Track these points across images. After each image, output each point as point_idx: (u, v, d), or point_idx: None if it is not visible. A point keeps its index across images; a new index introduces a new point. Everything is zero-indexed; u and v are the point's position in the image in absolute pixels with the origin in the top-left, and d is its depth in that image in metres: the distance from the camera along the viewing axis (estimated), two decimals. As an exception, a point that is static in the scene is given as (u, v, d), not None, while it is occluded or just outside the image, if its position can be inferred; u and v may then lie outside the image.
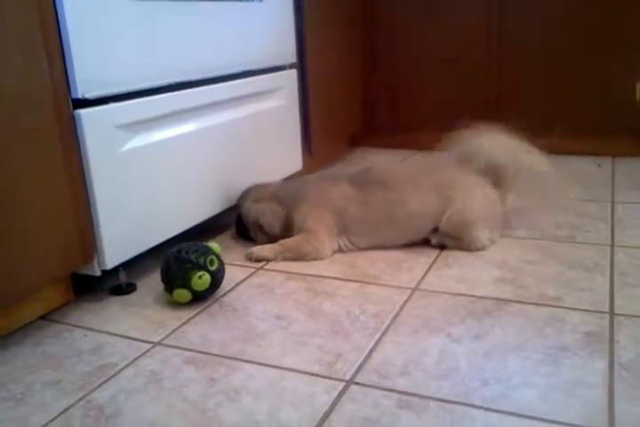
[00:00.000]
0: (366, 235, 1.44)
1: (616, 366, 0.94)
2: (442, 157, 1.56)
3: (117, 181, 1.18)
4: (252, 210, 1.47)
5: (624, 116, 2.19)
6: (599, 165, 2.15)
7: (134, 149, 1.21)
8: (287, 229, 1.45)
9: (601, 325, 1.07)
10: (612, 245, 1.42)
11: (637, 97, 2.14)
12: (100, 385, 0.95)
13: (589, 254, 1.38)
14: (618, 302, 1.15)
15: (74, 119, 1.09)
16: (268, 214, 1.45)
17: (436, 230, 1.43)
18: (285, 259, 1.40)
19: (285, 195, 1.48)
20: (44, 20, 1.01)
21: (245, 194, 1.52)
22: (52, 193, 1.07)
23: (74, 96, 1.08)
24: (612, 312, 1.11)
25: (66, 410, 0.89)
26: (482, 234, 1.42)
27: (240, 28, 1.54)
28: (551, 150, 2.19)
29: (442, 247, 1.44)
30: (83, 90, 1.09)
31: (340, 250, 1.44)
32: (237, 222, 1.53)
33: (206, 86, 1.43)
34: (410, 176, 1.46)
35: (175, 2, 1.30)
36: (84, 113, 1.09)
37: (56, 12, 1.03)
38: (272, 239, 1.45)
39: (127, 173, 1.20)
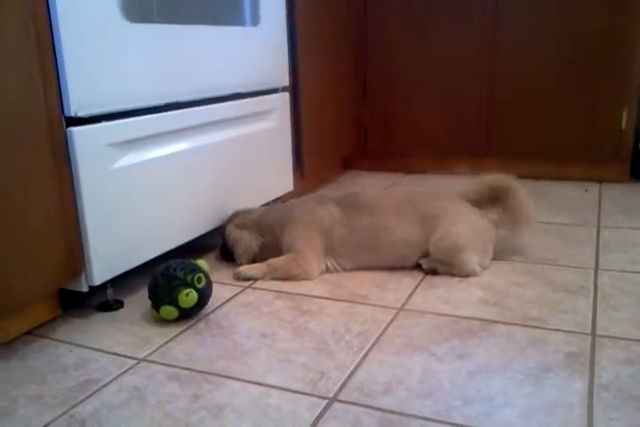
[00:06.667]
0: (352, 257, 1.45)
1: (596, 387, 0.95)
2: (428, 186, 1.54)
3: (107, 199, 1.19)
4: (231, 235, 1.49)
5: (611, 143, 2.23)
6: (586, 191, 2.18)
7: (125, 167, 1.23)
8: (274, 252, 1.46)
9: (582, 346, 1.08)
10: (597, 269, 1.44)
11: (623, 125, 2.19)
12: (82, 400, 0.95)
13: (574, 277, 1.39)
14: (600, 323, 1.16)
15: (66, 137, 1.11)
16: (241, 245, 1.47)
17: (427, 255, 1.43)
18: (273, 279, 1.41)
19: (270, 220, 1.49)
20: (40, 40, 1.04)
21: (229, 219, 1.54)
22: (42, 209, 1.08)
23: (67, 114, 1.10)
24: (593, 334, 1.12)
25: (48, 425, 0.89)
26: (472, 259, 1.41)
27: (234, 50, 1.57)
28: (540, 176, 2.25)
29: (433, 272, 1.43)
30: (75, 108, 1.11)
31: (328, 271, 1.45)
32: (222, 245, 1.54)
33: (198, 107, 1.45)
34: (396, 204, 1.46)
35: (170, 24, 1.33)
36: (76, 131, 1.11)
37: (52, 32, 1.06)
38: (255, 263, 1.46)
39: (117, 190, 1.21)
